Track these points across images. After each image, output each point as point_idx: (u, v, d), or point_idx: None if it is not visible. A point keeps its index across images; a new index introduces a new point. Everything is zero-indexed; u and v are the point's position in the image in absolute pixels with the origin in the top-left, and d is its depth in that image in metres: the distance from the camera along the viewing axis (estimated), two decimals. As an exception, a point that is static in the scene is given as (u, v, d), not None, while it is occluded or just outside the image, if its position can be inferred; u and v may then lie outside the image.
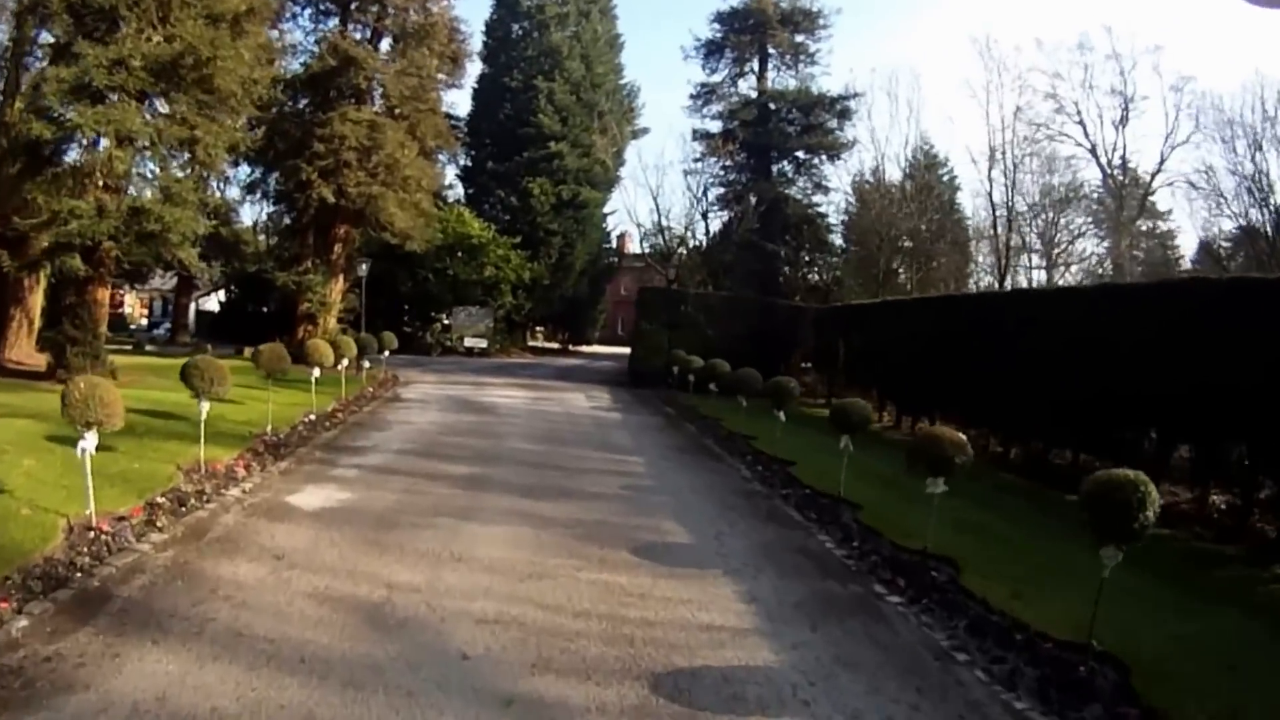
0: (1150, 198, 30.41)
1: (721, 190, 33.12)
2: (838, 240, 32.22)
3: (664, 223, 30.76)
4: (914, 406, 17.68)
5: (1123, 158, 30.02)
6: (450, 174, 37.36)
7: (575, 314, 40.89)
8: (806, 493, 9.13)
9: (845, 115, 32.28)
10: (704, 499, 8.50)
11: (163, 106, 17.94)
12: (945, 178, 32.42)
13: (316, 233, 23.34)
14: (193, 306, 54.08)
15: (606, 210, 39.93)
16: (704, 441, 12.90)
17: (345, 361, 14.37)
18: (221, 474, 7.99)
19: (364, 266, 21.33)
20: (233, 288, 36.03)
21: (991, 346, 13.08)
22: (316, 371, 12.02)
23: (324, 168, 20.49)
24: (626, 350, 54.18)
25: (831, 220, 32.41)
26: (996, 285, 29.32)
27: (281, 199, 23.71)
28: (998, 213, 29.66)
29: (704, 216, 31.63)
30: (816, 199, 32.61)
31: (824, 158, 32.58)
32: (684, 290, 24.74)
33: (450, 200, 35.26)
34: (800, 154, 32.45)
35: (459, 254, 32.26)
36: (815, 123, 31.97)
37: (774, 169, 32.75)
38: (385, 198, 20.59)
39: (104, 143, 16.52)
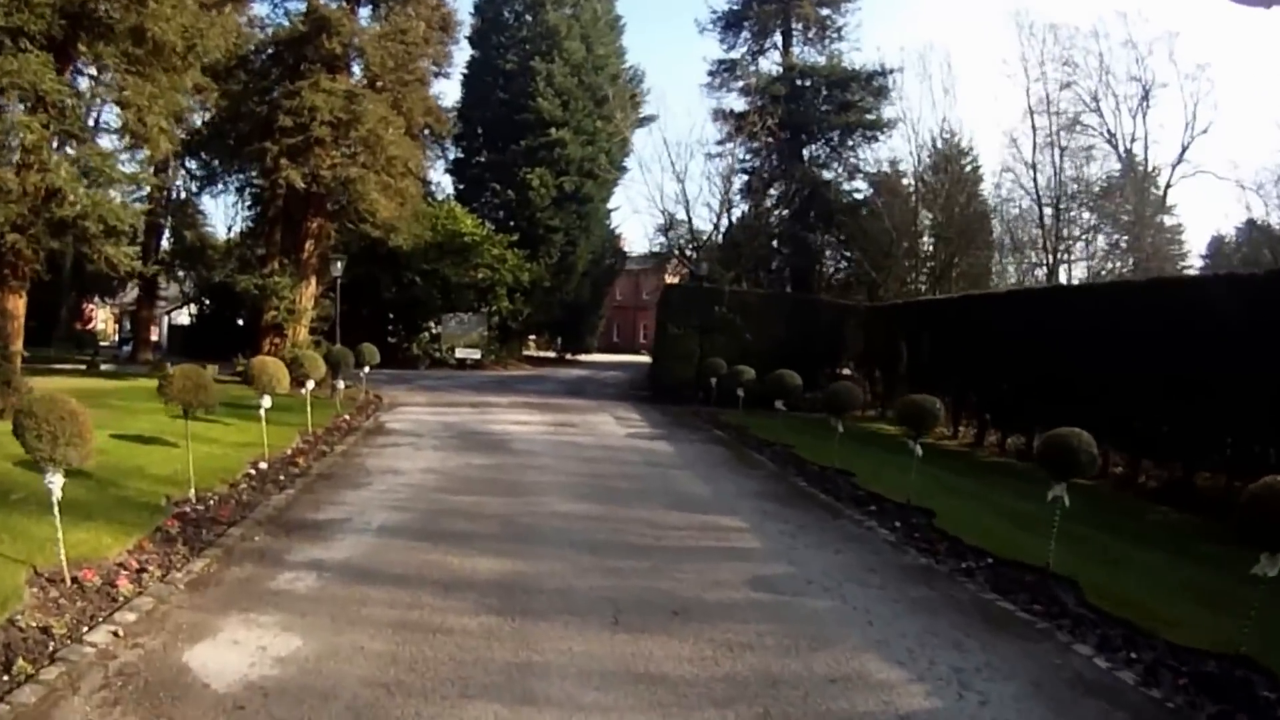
0: (1170, 189, 28.19)
1: (746, 177, 30.02)
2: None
3: (689, 213, 27.66)
4: (1009, 418, 14.93)
5: (1145, 147, 27.74)
6: (439, 169, 34.30)
7: (575, 320, 37.70)
8: (989, 563, 6.55)
9: (881, 94, 29.35)
10: (877, 596, 5.44)
11: (90, 70, 14.79)
12: (969, 167, 29.61)
13: (285, 228, 20.10)
14: (165, 320, 50.63)
15: (610, 206, 36.83)
16: (795, 482, 9.83)
17: (312, 384, 11.18)
18: (95, 589, 4.83)
19: (339, 264, 18.05)
20: (205, 299, 32.60)
21: (1121, 345, 11.07)
22: (266, 401, 8.82)
23: (292, 146, 17.26)
24: (628, 358, 51.34)
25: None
26: (1044, 279, 26.74)
27: (244, 190, 20.44)
28: (1044, 201, 27.17)
29: (727, 207, 28.60)
30: (856, 185, 29.66)
31: (860, 139, 29.63)
32: (717, 288, 21.66)
33: (440, 197, 32.08)
34: (834, 136, 29.49)
35: (449, 254, 29.03)
36: (850, 100, 29.00)
37: (805, 153, 29.77)
38: (365, 181, 17.36)
39: (11, 110, 13.34)
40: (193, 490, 6.90)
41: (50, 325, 34.23)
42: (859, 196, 28.63)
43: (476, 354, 29.90)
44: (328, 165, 17.49)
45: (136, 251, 16.57)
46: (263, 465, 8.45)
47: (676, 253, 26.92)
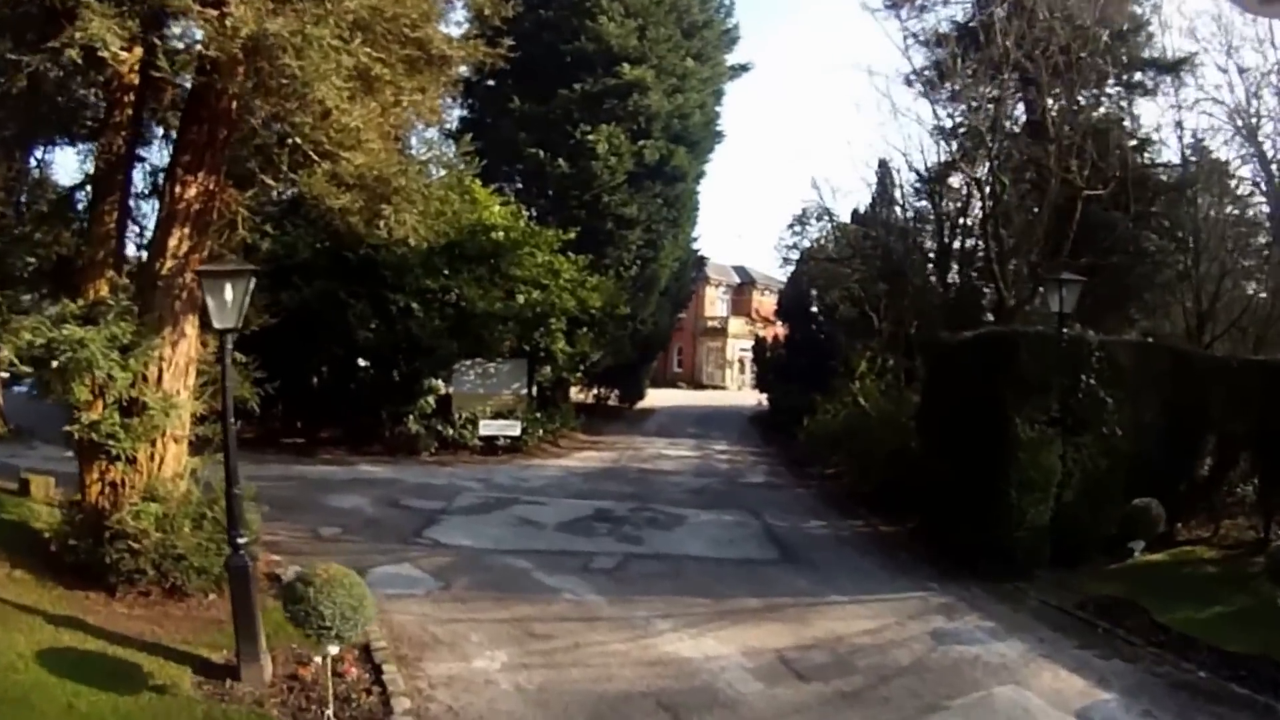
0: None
1: (949, 144, 18.60)
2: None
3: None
4: None
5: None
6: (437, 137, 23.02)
7: (641, 359, 26.53)
8: None
9: (1139, 29, 18.43)
10: None
11: None
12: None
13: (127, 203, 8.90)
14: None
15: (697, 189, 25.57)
16: None
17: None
18: None
19: (229, 292, 5.99)
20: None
21: None
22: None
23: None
24: (681, 397, 39.88)
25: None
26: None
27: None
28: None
29: (930, 181, 17.42)
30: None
31: (1126, 87, 18.62)
32: (1080, 336, 10.62)
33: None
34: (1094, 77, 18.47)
35: (468, 262, 17.86)
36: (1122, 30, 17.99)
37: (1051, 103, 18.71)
38: (311, 53, 6.10)
39: None
40: None
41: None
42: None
43: (514, 428, 18.58)
44: (210, 13, 6.22)
45: None
46: None
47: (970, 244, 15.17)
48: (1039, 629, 8.09)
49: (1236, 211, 17.65)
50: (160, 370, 8.20)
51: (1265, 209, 17.46)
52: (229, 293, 5.75)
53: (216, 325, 5.83)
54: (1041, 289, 15.32)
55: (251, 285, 6.02)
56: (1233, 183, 17.51)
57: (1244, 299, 16.97)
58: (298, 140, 7.21)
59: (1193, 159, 16.97)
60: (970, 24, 17.24)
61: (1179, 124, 17.62)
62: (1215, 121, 16.95)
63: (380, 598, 7.68)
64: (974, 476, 10.00)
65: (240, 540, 6.10)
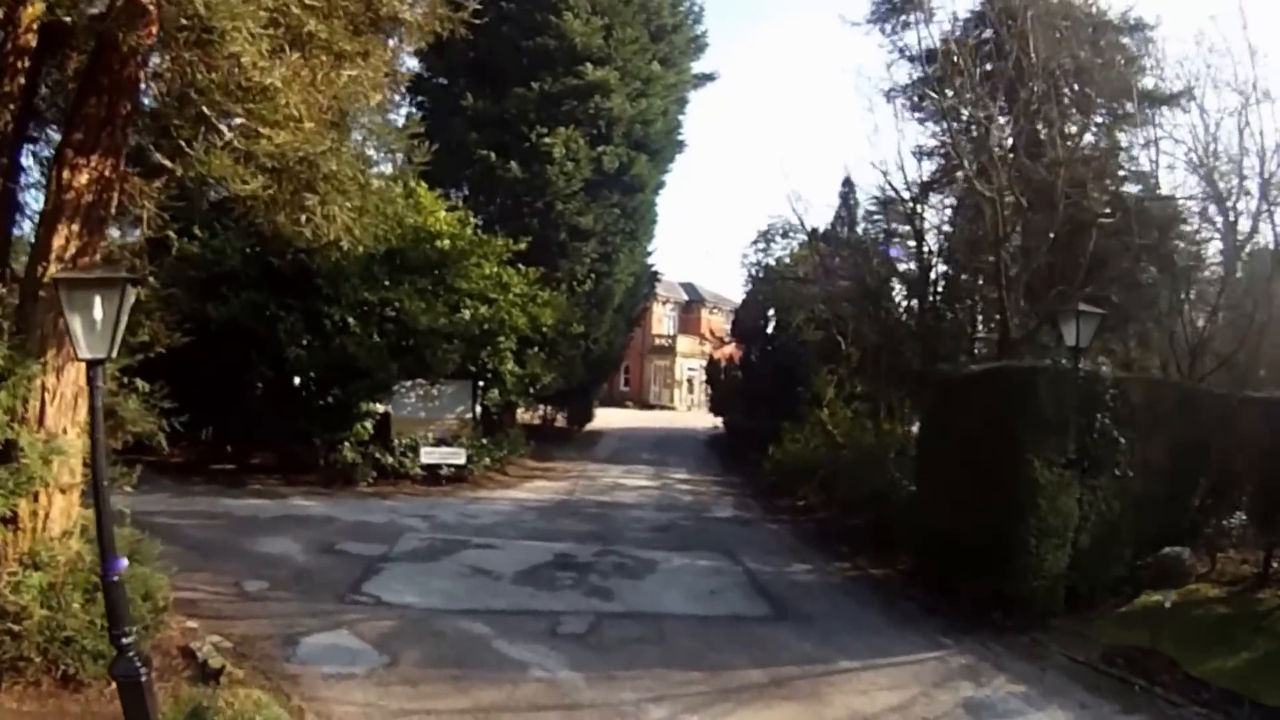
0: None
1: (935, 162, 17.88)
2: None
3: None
4: None
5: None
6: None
7: (592, 380, 25.25)
8: None
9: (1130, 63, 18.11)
10: None
11: None
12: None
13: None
14: None
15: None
16: None
17: None
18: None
19: (97, 313, 4.59)
20: None
21: None
22: None
23: None
24: (632, 417, 38.56)
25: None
26: None
27: None
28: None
29: (909, 201, 16.65)
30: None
31: (1123, 116, 18.24)
32: (1095, 372, 9.92)
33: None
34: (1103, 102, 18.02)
35: (410, 273, 16.37)
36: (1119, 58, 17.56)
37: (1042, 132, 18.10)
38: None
39: None
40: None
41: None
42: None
43: (459, 456, 17.09)
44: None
45: None
46: None
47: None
48: (1074, 690, 7.34)
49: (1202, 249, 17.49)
50: (42, 404, 6.53)
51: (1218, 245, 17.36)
52: (99, 309, 4.26)
53: (83, 354, 4.34)
54: (1016, 319, 14.69)
55: (130, 299, 4.54)
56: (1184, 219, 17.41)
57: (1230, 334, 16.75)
58: (204, 109, 5.76)
59: (1150, 197, 16.69)
60: (977, 38, 16.49)
61: (1155, 160, 17.39)
62: (1177, 160, 16.80)
63: (314, 679, 6.31)
64: (986, 522, 9.08)
65: (125, 641, 4.59)
